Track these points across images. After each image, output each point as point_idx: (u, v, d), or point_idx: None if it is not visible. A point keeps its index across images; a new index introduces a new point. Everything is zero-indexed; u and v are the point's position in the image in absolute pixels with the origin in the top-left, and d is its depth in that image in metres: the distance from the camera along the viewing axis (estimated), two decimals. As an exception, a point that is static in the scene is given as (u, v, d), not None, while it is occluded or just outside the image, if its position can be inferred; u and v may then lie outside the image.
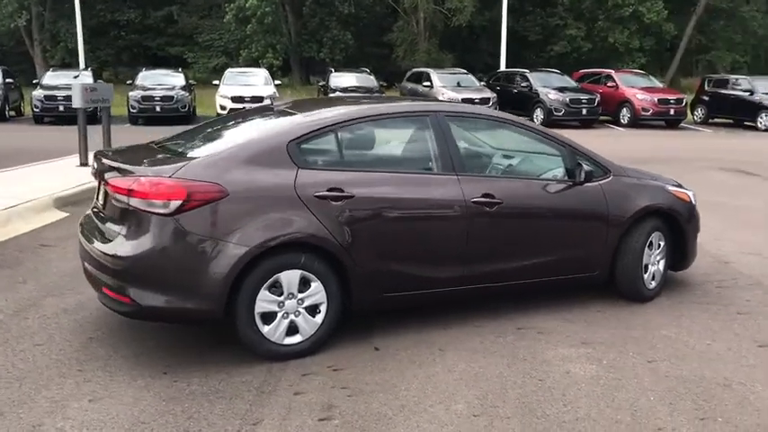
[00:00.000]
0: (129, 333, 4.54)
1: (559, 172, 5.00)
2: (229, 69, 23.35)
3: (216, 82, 22.45)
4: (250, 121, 4.91)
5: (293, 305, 4.14)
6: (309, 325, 4.19)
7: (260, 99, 20.84)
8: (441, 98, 20.94)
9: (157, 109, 20.63)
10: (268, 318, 4.08)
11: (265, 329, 4.08)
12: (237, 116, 5.27)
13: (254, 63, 34.88)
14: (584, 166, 4.91)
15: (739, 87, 22.13)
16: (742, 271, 6.20)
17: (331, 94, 20.71)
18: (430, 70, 23.06)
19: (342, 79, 22.09)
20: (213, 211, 3.92)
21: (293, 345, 4.16)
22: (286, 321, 4.13)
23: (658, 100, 21.09)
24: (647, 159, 12.15)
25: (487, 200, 4.57)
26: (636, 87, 21.82)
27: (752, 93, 21.47)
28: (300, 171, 4.14)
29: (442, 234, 4.52)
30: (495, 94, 21.13)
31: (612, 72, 23.32)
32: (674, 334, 4.69)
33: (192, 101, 21.57)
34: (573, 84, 22.16)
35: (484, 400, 3.70)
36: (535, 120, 21.17)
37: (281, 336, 4.12)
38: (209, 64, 39.38)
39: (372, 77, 22.90)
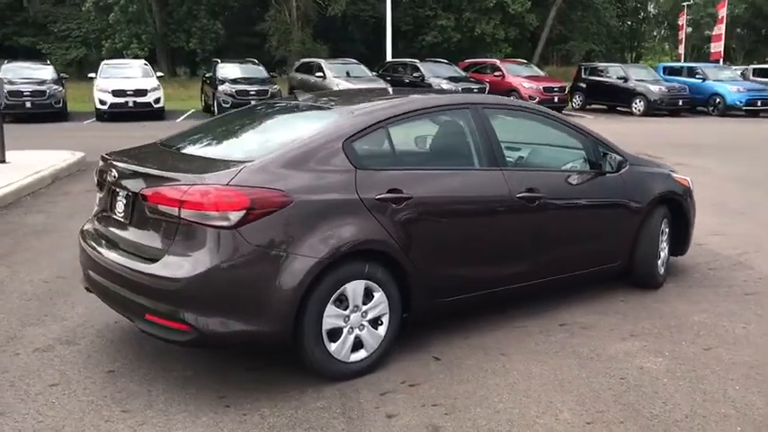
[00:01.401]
0: (152, 361, 3.99)
1: (582, 162, 4.93)
2: (105, 62, 21.76)
3: (92, 75, 20.85)
4: (278, 118, 4.46)
5: (358, 319, 3.79)
6: (374, 339, 3.86)
7: (143, 92, 19.68)
8: (335, 89, 20.63)
9: (27, 105, 18.98)
10: (334, 335, 3.71)
11: (332, 347, 3.70)
12: (252, 112, 4.77)
13: (118, 54, 32.92)
14: (613, 155, 4.87)
15: (614, 75, 23.44)
16: (718, 251, 6.45)
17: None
18: (321, 61, 22.64)
19: (229, 70, 21.17)
20: (277, 220, 3.48)
21: (359, 362, 3.81)
22: (351, 337, 3.77)
23: (544, 88, 21.92)
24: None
25: (531, 194, 4.41)
26: (521, 76, 22.57)
27: (626, 80, 22.81)
28: (359, 172, 3.79)
29: (493, 232, 4.32)
30: (389, 85, 21.04)
31: (497, 61, 23.99)
32: (706, 319, 4.76)
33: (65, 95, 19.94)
34: (462, 74, 22.56)
35: (584, 406, 3.54)
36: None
37: (347, 353, 3.76)
38: (68, 56, 36.76)
39: (262, 68, 22.16)
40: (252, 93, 19.95)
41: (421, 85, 21.60)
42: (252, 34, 38.94)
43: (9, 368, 3.92)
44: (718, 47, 36.68)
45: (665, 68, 25.64)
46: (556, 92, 22.11)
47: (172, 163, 3.83)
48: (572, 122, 5.01)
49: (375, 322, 3.86)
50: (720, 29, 36.56)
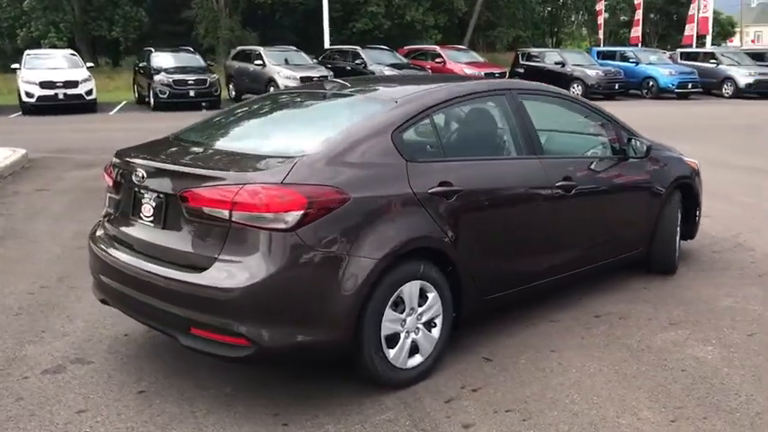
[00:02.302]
0: (181, 378, 3.64)
1: (606, 148, 4.81)
2: (28, 52, 20.45)
3: (15, 66, 19.60)
4: (313, 107, 4.14)
5: (413, 322, 3.54)
6: (429, 342, 3.62)
7: (74, 84, 18.66)
8: (277, 78, 20.12)
9: (-53, 98, 17.63)
10: (391, 340, 3.45)
11: (391, 354, 3.44)
12: (278, 101, 4.40)
13: (35, 44, 31.14)
14: (640, 140, 4.76)
15: (552, 60, 23.74)
16: (713, 234, 6.47)
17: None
18: (260, 48, 21.96)
19: (164, 59, 20.28)
20: (335, 220, 3.19)
21: (415, 367, 3.56)
22: (408, 341, 3.52)
23: (485, 74, 21.94)
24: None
25: (567, 183, 4.25)
26: (462, 63, 22.58)
27: (563, 65, 23.13)
28: (409, 165, 3.52)
29: (535, 224, 4.14)
30: (332, 72, 20.64)
31: (438, 48, 23.92)
32: (735, 304, 4.72)
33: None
34: (404, 60, 22.38)
35: (659, 402, 3.40)
36: (372, 97, 21.07)
37: (404, 359, 3.51)
38: (-23, 45, 34.55)
39: (198, 57, 21.34)
40: (190, 83, 19.18)
41: (363, 73, 21.29)
42: (177, 22, 37.55)
43: (22, 395, 3.48)
44: (636, 31, 37.77)
45: (598, 53, 26.15)
46: (496, 77, 22.18)
47: (210, 160, 3.47)
48: (596, 107, 4.87)
49: (429, 324, 3.62)
50: (638, 14, 37.69)
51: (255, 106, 4.37)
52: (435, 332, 3.64)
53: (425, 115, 3.73)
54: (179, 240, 3.28)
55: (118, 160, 3.73)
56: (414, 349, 3.55)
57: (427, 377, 3.62)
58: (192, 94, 19.15)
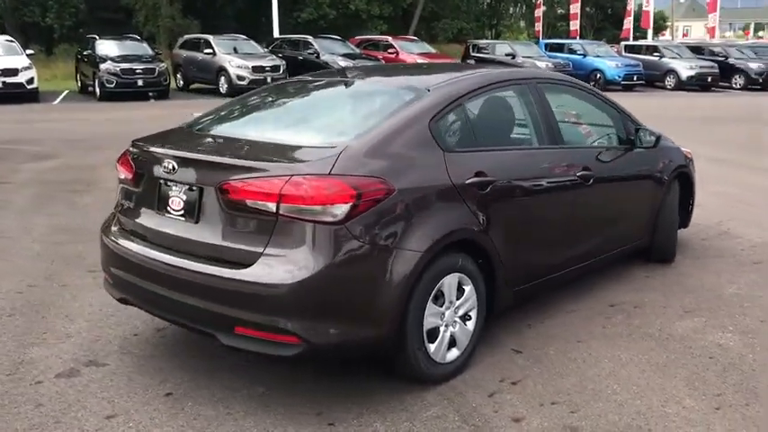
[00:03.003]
0: (208, 379, 3.48)
1: (616, 138, 4.83)
2: (-41, 38, 19.47)
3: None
4: (341, 95, 4.00)
5: (452, 315, 3.47)
6: (465, 335, 3.55)
7: (14, 72, 17.85)
8: (228, 67, 19.68)
9: None
10: (431, 335, 3.36)
11: (431, 348, 3.36)
12: (303, 88, 4.21)
13: (-41, 30, 29.67)
14: (648, 131, 4.79)
15: (502, 52, 23.95)
16: (697, 222, 6.54)
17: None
18: (209, 37, 21.40)
19: (109, 47, 19.55)
20: (382, 212, 3.08)
21: (452, 361, 3.49)
22: (447, 335, 3.45)
23: (438, 65, 22.00)
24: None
25: (586, 173, 4.24)
26: (414, 54, 22.54)
27: (514, 56, 23.36)
28: (447, 155, 3.44)
29: (560, 213, 4.13)
30: (284, 62, 20.33)
31: (390, 38, 23.82)
32: (741, 291, 4.80)
33: None
34: (356, 50, 22.19)
35: (698, 390, 3.42)
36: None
37: (443, 353, 3.43)
38: None
39: (145, 45, 20.68)
40: (138, 72, 18.56)
41: (317, 63, 21.03)
42: (115, 9, 36.32)
43: (41, 401, 3.26)
44: (575, 25, 38.60)
45: (546, 45, 26.52)
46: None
47: (247, 151, 3.29)
48: (605, 97, 4.88)
49: (465, 318, 3.55)
50: (576, 7, 38.47)
51: (276, 94, 4.19)
52: (470, 325, 3.58)
53: (458, 104, 3.64)
54: (217, 235, 3.11)
55: (137, 150, 3.52)
56: (451, 343, 3.48)
57: (463, 371, 3.56)
58: (140, 83, 18.56)
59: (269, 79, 19.34)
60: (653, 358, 3.77)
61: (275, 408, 3.22)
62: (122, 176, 3.62)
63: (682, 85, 24.01)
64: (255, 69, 19.42)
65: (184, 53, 21.66)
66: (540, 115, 4.11)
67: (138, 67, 18.70)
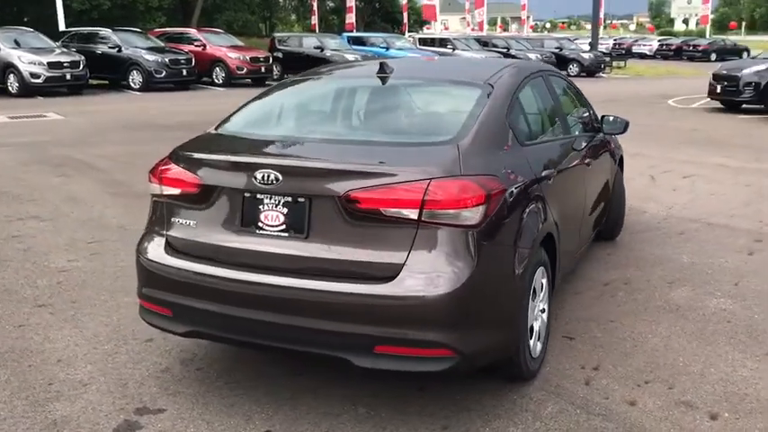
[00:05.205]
0: (292, 404, 3.14)
1: (585, 126, 5.06)
2: None
3: None
4: (399, 92, 3.75)
5: (538, 309, 3.45)
6: (544, 328, 3.56)
7: None
8: (18, 63, 17.54)
9: None
10: (530, 331, 3.33)
11: (531, 345, 3.32)
12: (325, 83, 3.88)
13: None
14: (614, 118, 5.07)
15: (311, 45, 23.93)
16: (631, 206, 6.92)
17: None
18: (-9, 29, 18.86)
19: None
20: (501, 211, 2.97)
21: (539, 355, 3.48)
22: (536, 330, 3.43)
23: (251, 59, 21.43)
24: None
25: (588, 161, 4.44)
26: (224, 47, 21.71)
27: (322, 49, 23.44)
28: (524, 149, 3.41)
29: (580, 197, 4.33)
30: (82, 57, 18.49)
31: (195, 31, 22.69)
32: (694, 259, 5.25)
33: None
34: (160, 44, 20.84)
35: (746, 352, 3.72)
36: (132, 84, 19.42)
37: (536, 348, 3.41)
38: None
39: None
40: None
41: (120, 57, 19.46)
42: None
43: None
44: (351, 18, 39.90)
45: (349, 38, 26.94)
46: (262, 62, 21.79)
47: (357, 154, 2.96)
48: (575, 86, 5.09)
49: (542, 310, 3.56)
50: (351, 1, 39.74)
51: (313, 90, 3.84)
52: (545, 317, 3.59)
53: (516, 97, 3.60)
54: (340, 249, 2.78)
55: (198, 159, 3.04)
56: (537, 337, 3.47)
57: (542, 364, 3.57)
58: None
59: (68, 76, 17.65)
60: (685, 328, 4.04)
61: (343, 419, 3.01)
62: (172, 191, 3.10)
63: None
64: (52, 66, 17.53)
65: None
66: (555, 105, 4.22)
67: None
